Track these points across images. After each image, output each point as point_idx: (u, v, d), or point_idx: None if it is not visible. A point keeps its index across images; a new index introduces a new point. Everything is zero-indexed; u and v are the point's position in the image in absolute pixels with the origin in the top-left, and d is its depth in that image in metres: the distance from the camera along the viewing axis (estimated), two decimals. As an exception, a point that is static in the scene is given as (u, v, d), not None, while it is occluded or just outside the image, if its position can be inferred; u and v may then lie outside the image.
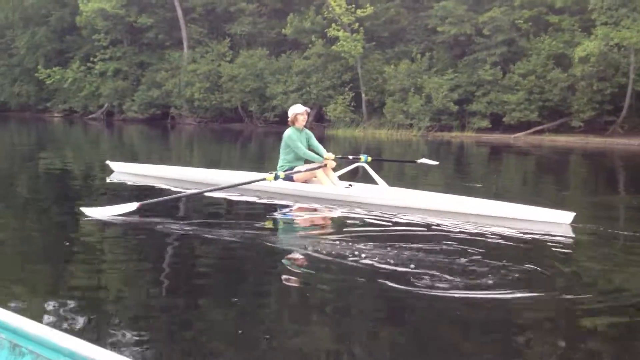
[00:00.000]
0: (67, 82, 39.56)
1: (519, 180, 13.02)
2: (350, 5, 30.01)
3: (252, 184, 7.52)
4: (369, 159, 8.33)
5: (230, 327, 3.57)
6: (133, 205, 6.32)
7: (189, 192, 7.56)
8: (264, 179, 7.36)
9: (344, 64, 31.48)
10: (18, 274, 4.57)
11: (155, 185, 8.71)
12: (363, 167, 8.32)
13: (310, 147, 8.02)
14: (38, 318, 3.27)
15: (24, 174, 11.35)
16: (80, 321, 3.51)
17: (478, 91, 28.43)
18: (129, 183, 9.10)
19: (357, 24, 30.20)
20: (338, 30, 30.18)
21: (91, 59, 39.26)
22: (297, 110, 7.95)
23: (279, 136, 8.55)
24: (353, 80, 31.61)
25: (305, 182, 7.90)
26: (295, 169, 7.83)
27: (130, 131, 30.66)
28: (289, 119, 7.99)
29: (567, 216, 6.37)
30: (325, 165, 7.75)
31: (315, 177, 7.88)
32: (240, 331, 3.44)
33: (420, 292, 4.04)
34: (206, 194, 7.46)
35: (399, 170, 12.44)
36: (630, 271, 4.97)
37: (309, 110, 8.22)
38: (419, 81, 29.09)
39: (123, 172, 9.82)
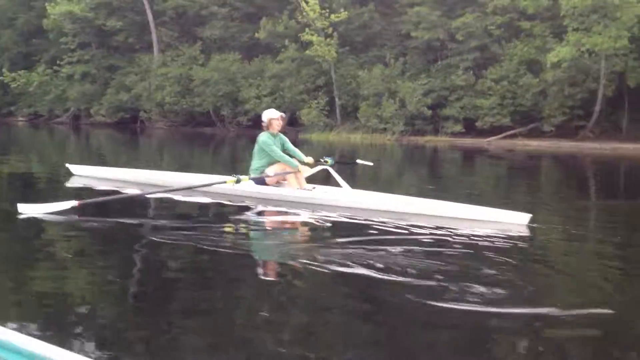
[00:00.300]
0: (33, 85, 38.73)
1: (488, 184, 13.01)
2: (324, 10, 29.98)
3: (215, 186, 7.38)
4: (334, 161, 8.36)
5: (195, 334, 3.37)
6: (70, 203, 6.04)
7: (133, 192, 7.15)
8: (225, 182, 7.21)
9: (317, 69, 31.45)
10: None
11: (114, 188, 8.29)
12: (327, 170, 8.26)
13: (285, 151, 7.89)
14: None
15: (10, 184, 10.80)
16: (47, 329, 3.28)
17: (451, 96, 28.64)
18: (88, 186, 8.68)
19: (331, 29, 30.20)
20: (312, 34, 30.12)
21: (58, 62, 38.49)
22: (272, 115, 7.85)
23: (252, 140, 8.40)
24: (327, 84, 31.57)
25: (277, 182, 7.83)
26: (266, 172, 7.67)
27: (98, 135, 29.97)
28: (263, 124, 7.86)
29: (524, 217, 6.47)
30: (298, 170, 7.69)
31: (285, 179, 7.81)
32: (207, 338, 3.31)
33: (384, 293, 4.10)
34: (158, 195, 7.22)
35: (369, 173, 12.27)
36: (576, 269, 5.13)
37: (284, 115, 8.20)
38: (392, 86, 29.16)
39: (83, 175, 9.45)
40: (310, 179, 8.09)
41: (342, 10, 30.43)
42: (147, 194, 7.20)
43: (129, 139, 28.98)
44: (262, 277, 4.52)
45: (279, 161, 7.69)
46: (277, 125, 7.83)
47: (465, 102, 28.03)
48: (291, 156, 7.83)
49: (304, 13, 30.21)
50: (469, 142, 27.38)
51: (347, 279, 4.35)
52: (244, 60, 34.43)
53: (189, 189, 7.33)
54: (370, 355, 3.20)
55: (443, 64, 29.53)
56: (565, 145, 25.03)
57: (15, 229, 5.89)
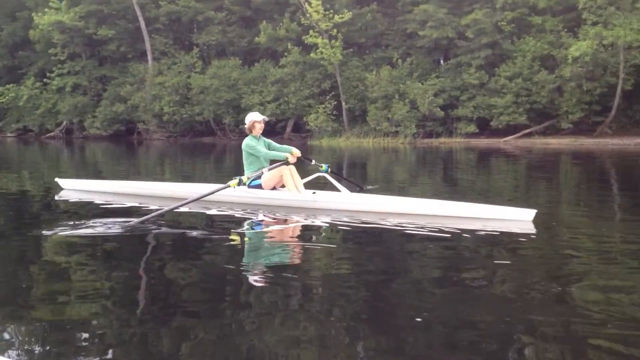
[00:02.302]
0: (22, 99, 37.30)
1: (504, 183, 12.40)
2: (327, 11, 29.05)
3: (219, 192, 7.44)
4: (329, 169, 8.28)
5: (205, 346, 3.30)
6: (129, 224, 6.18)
7: (166, 208, 6.93)
8: (229, 186, 7.25)
9: (322, 72, 30.51)
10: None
11: (106, 200, 8.35)
12: (324, 177, 8.25)
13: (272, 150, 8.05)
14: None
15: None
16: (45, 351, 3.20)
17: (463, 95, 27.91)
18: (77, 200, 8.61)
19: (335, 30, 29.27)
20: (316, 37, 29.18)
21: (47, 74, 37.12)
22: (256, 118, 7.90)
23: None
24: (332, 88, 30.66)
25: (274, 188, 7.92)
26: (260, 171, 7.65)
27: (94, 149, 28.77)
28: (246, 127, 7.97)
29: (529, 214, 6.50)
30: (288, 163, 7.69)
31: (282, 184, 7.85)
32: (218, 349, 3.24)
33: (397, 294, 4.14)
34: (175, 209, 7.20)
35: (383, 177, 12.17)
36: (578, 263, 5.02)
37: (267, 119, 8.23)
38: (401, 87, 28.34)
39: (72, 189, 9.46)
40: (308, 185, 8.09)
41: (345, 11, 29.47)
42: (174, 208, 6.93)
43: (126, 151, 27.85)
44: (269, 284, 4.40)
45: (267, 160, 7.83)
46: (260, 128, 7.93)
47: (479, 101, 27.30)
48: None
49: (307, 15, 29.22)
50: (484, 142, 26.69)
51: (353, 283, 4.40)
52: (244, 65, 33.40)
53: (203, 197, 7.18)
54: (377, 357, 3.18)
55: (453, 63, 28.76)
56: (587, 142, 24.42)
57: (33, 252, 5.63)
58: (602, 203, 8.92)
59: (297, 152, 7.82)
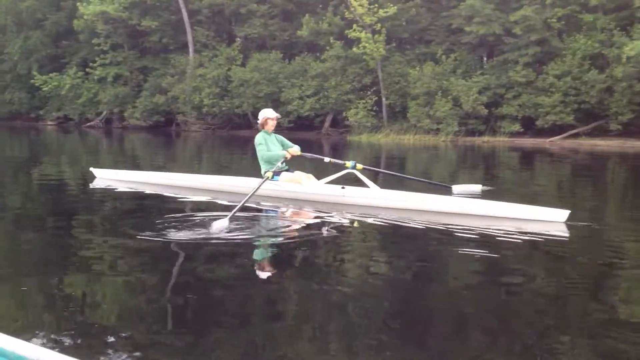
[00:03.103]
0: (65, 88, 37.64)
1: (546, 183, 12.26)
2: (372, 5, 28.62)
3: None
4: (360, 166, 8.15)
5: (237, 346, 3.27)
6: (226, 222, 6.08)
7: (243, 202, 6.80)
8: (267, 179, 7.45)
9: (363, 67, 30.08)
10: (9, 292, 4.22)
11: (140, 190, 8.70)
12: (354, 174, 8.14)
13: (285, 149, 8.14)
14: (30, 338, 3.16)
15: (17, 185, 10.81)
16: (75, 342, 3.24)
17: (508, 93, 27.21)
18: (111, 188, 8.99)
19: (379, 25, 28.83)
20: (360, 31, 28.78)
21: (90, 64, 37.39)
22: (269, 115, 8.12)
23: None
24: (373, 83, 30.22)
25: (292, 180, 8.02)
26: (269, 172, 7.69)
27: (133, 139, 28.93)
28: (258, 123, 8.18)
29: (562, 214, 6.45)
30: (286, 158, 7.84)
31: (298, 180, 7.99)
32: (241, 347, 3.23)
33: (425, 296, 4.13)
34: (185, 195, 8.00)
35: (421, 174, 11.80)
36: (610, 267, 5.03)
37: (279, 116, 8.45)
38: (444, 84, 27.77)
39: (105, 178, 9.85)
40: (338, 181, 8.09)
41: (390, 5, 28.99)
42: (245, 201, 6.81)
43: (164, 142, 27.89)
44: (300, 281, 4.39)
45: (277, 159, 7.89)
46: (272, 124, 8.10)
47: (525, 100, 26.57)
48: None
49: (351, 9, 28.83)
50: (529, 142, 25.97)
51: (382, 280, 4.45)
52: (284, 59, 33.17)
53: (254, 193, 7.12)
54: (406, 354, 3.15)
55: (499, 60, 28.06)
56: (638, 145, 23.53)
57: (66, 243, 5.74)
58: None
59: (296, 153, 7.97)
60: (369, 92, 29.91)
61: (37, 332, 3.32)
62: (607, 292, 4.29)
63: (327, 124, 31.89)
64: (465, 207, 6.98)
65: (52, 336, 3.27)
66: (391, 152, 21.57)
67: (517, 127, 26.76)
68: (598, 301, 4.05)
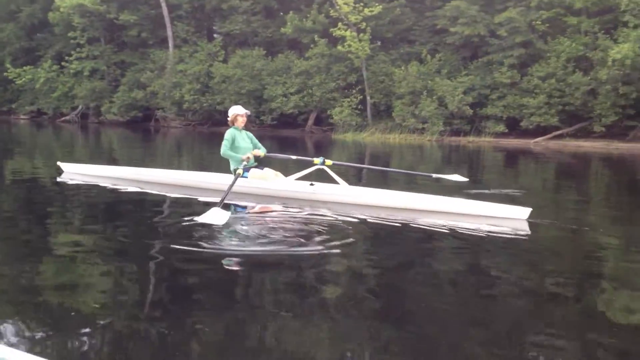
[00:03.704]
0: (39, 82, 36.73)
1: (532, 185, 12.14)
2: (357, 3, 28.49)
3: (227, 183, 7.47)
4: (329, 162, 8.14)
5: (218, 341, 3.27)
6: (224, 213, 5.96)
7: (222, 199, 6.74)
8: (239, 177, 7.37)
9: (348, 65, 29.95)
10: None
11: (107, 185, 8.66)
12: (323, 170, 8.16)
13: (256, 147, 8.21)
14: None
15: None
16: (54, 342, 3.13)
17: (493, 94, 27.35)
18: (76, 184, 8.93)
19: (364, 24, 28.71)
20: (345, 29, 28.63)
21: (65, 57, 36.55)
22: (238, 111, 8.14)
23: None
24: (358, 82, 30.11)
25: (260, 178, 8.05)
26: (239, 170, 7.58)
27: (110, 134, 28.31)
28: (228, 119, 8.17)
29: (524, 212, 6.60)
30: (239, 175, 7.53)
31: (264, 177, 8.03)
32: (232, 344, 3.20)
33: (389, 288, 4.24)
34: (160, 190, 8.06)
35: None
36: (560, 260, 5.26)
37: (249, 113, 8.45)
38: (429, 83, 27.79)
39: (73, 172, 9.75)
40: (306, 178, 8.12)
41: (375, 4, 28.92)
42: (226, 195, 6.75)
43: (143, 138, 27.35)
44: (271, 277, 4.40)
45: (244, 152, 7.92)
46: (242, 121, 8.10)
47: (509, 101, 26.74)
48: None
49: (337, 7, 28.65)
50: (514, 142, 26.13)
51: (356, 276, 4.51)
52: (267, 56, 32.84)
53: (230, 189, 7.03)
54: (382, 350, 3.21)
55: (483, 61, 28.18)
56: (623, 147, 23.85)
57: (39, 236, 5.76)
58: (614, 207, 8.94)
59: (256, 153, 7.96)
60: (353, 91, 29.78)
61: (8, 323, 3.32)
62: (569, 287, 4.43)
63: (310, 122, 31.68)
64: (431, 204, 7.08)
65: (28, 327, 3.27)
66: (376, 150, 21.46)
67: (501, 127, 26.92)
68: (562, 296, 4.20)
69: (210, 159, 16.36)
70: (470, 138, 27.02)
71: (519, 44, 26.85)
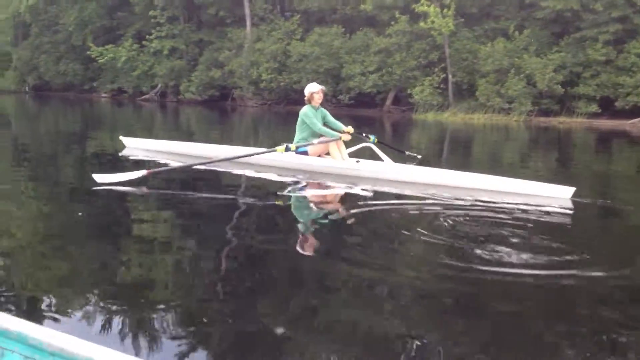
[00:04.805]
0: (121, 61, 37.37)
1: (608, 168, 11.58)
2: (441, -23, 27.45)
3: (264, 155, 7.96)
4: (376, 140, 8.40)
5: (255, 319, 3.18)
6: (141, 173, 6.67)
7: (197, 162, 7.63)
8: (275, 151, 7.66)
9: (430, 43, 28.98)
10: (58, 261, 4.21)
11: (165, 160, 8.86)
12: (370, 147, 8.33)
13: (326, 124, 8.23)
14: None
15: (68, 156, 11.05)
16: (95, 319, 3.12)
17: (585, 72, 25.89)
18: (140, 158, 9.16)
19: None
20: (427, 5, 27.64)
21: (145, 36, 36.99)
22: (313, 89, 8.16)
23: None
24: (439, 60, 29.11)
25: (319, 156, 8.12)
26: (310, 142, 7.93)
27: (188, 113, 28.54)
28: (305, 97, 8.18)
29: (567, 191, 6.60)
30: (340, 139, 7.92)
31: (327, 152, 8.09)
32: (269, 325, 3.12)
33: (429, 267, 4.17)
34: (213, 166, 8.00)
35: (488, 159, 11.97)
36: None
37: (324, 89, 8.43)
38: (516, 61, 26.55)
39: (135, 147, 10.02)
40: (355, 155, 8.30)
41: (460, -23, 27.76)
42: (208, 163, 7.75)
43: (220, 116, 27.40)
44: (308, 255, 4.43)
45: (319, 134, 7.99)
46: (318, 98, 8.12)
47: (604, 79, 25.24)
48: (332, 129, 8.16)
49: (419, -19, 27.66)
50: (608, 124, 24.70)
51: (395, 255, 4.51)
52: (345, 34, 32.20)
53: (243, 157, 7.67)
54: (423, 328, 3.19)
55: (576, 37, 26.65)
56: None
57: (92, 209, 5.86)
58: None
59: (350, 131, 8.03)
60: (435, 69, 28.82)
61: (82, 302, 3.36)
62: (611, 267, 4.26)
63: (389, 102, 30.98)
64: (473, 182, 7.13)
65: (99, 308, 3.27)
66: (457, 132, 20.63)
67: (594, 107, 25.51)
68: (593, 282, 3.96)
69: (286, 138, 16.12)
70: (561, 118, 25.71)
71: (615, 19, 25.21)
